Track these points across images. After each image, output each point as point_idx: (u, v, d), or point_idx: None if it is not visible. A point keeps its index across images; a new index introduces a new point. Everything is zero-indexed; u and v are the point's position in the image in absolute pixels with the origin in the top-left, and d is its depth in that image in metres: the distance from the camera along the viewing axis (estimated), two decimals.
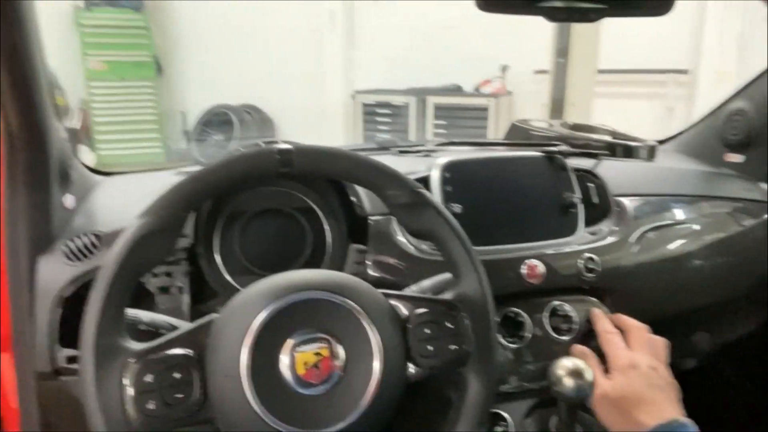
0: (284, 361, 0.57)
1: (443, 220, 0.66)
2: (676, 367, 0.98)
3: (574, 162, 0.99)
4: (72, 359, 0.81)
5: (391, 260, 0.86)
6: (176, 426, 0.56)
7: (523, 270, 0.88)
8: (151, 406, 0.55)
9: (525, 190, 0.94)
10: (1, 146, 0.78)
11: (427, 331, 0.63)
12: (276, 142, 0.87)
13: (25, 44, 0.64)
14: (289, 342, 0.57)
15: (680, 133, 1.41)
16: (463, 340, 0.64)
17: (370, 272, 0.86)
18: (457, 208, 0.89)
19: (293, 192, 0.92)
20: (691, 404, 0.78)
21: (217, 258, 0.87)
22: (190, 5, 5.57)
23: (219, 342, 0.58)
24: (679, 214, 1.02)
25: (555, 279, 0.89)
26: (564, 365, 0.74)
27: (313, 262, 0.91)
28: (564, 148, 1.00)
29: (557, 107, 2.90)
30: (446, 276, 0.75)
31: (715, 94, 4.48)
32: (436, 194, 0.89)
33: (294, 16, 5.36)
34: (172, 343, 0.58)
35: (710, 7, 4.28)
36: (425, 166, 0.93)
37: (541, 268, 0.88)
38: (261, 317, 0.57)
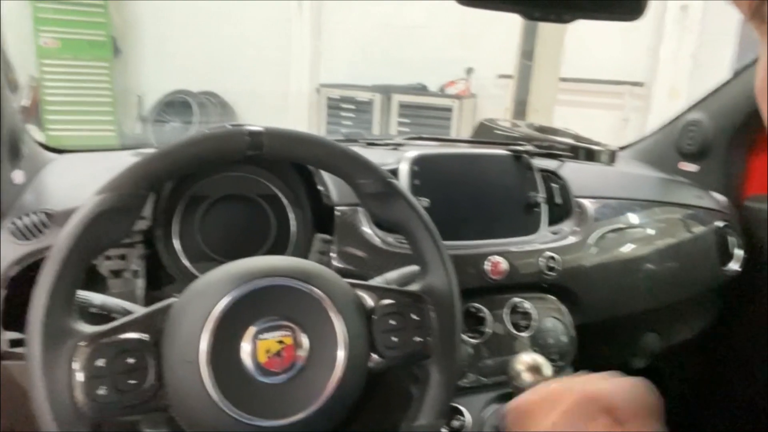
0: (246, 348, 0.55)
1: (413, 211, 0.66)
2: (625, 367, 1.01)
3: (538, 162, 1.01)
4: (16, 343, 0.77)
5: (357, 251, 0.85)
6: (128, 413, 0.54)
7: (487, 266, 0.89)
8: (101, 391, 0.53)
9: (491, 187, 0.95)
10: None
11: (392, 322, 0.63)
12: (244, 125, 0.86)
13: None
14: (252, 329, 0.56)
15: (638, 141, 1.45)
16: (428, 333, 0.64)
17: (335, 263, 0.85)
18: (425, 201, 0.89)
19: (258, 178, 0.90)
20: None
21: (176, 243, 0.85)
22: None
23: (177, 327, 0.56)
24: (636, 217, 1.05)
25: (517, 276, 0.90)
26: (523, 360, 0.75)
27: (276, 251, 0.89)
28: (530, 148, 1.01)
29: (520, 111, 2.94)
30: (412, 268, 0.75)
31: (668, 107, 4.67)
32: (404, 187, 0.89)
33: (261, 3, 5.27)
34: (126, 327, 0.55)
35: (668, 26, 4.43)
36: (394, 158, 0.93)
37: (504, 264, 0.89)
38: (223, 303, 0.55)
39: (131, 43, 5.64)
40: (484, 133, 1.23)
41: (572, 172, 1.05)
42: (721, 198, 1.22)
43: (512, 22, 4.48)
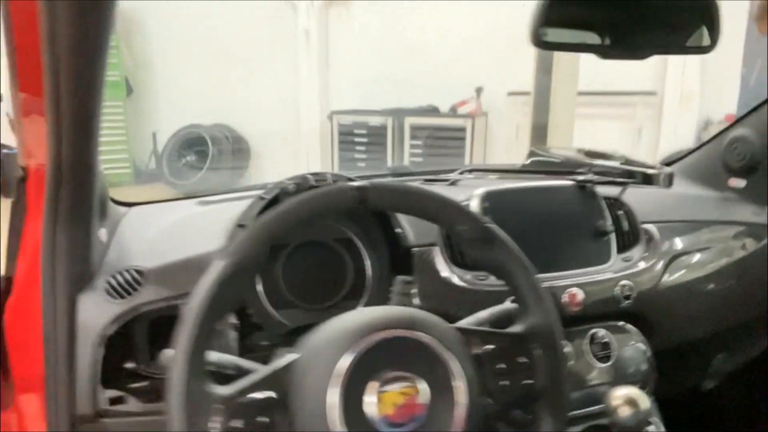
0: (370, 401, 0.56)
1: (512, 253, 0.67)
2: (696, 389, 1.01)
3: (600, 190, 1.02)
4: (115, 401, 0.78)
5: (437, 291, 0.86)
6: None
7: (564, 299, 0.89)
8: None
9: (560, 218, 0.96)
10: (44, 182, 0.75)
11: (501, 365, 0.63)
12: (325, 177, 0.87)
13: (96, 73, 0.63)
14: (375, 382, 0.57)
15: (681, 158, 1.46)
16: (536, 375, 0.64)
17: (417, 303, 0.85)
18: None
19: (334, 224, 0.91)
20: (710, 426, 0.79)
21: (260, 290, 0.86)
22: (161, 25, 5.52)
23: (303, 384, 0.57)
24: (700, 239, 1.06)
25: (594, 306, 0.91)
26: (619, 395, 0.75)
27: (355, 294, 0.90)
28: (591, 176, 1.02)
29: (540, 128, 2.97)
30: (503, 308, 0.76)
31: (680, 114, 4.67)
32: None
33: (268, 36, 5.36)
34: (256, 386, 0.57)
35: None
36: (464, 195, 0.94)
37: (581, 295, 0.90)
38: (348, 358, 0.56)
39: (143, 82, 5.74)
40: (536, 161, 1.24)
41: (633, 197, 1.06)
42: None
43: (519, 39, 4.54)
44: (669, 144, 4.52)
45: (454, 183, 1.09)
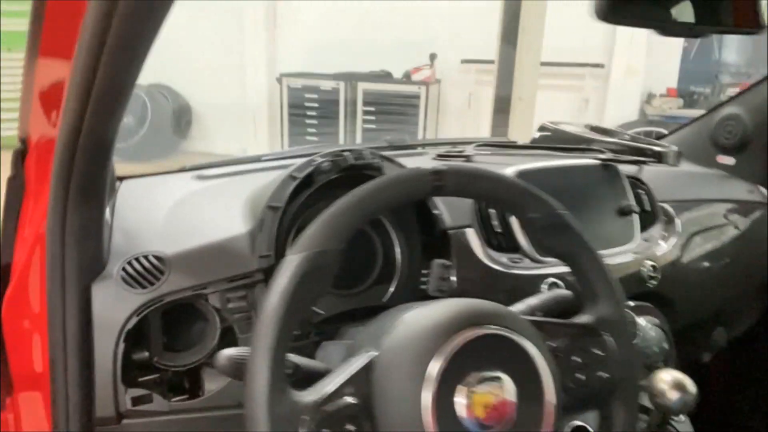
0: (461, 403, 0.53)
1: (583, 242, 0.64)
2: (696, 361, 1.03)
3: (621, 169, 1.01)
4: (138, 400, 0.71)
5: (474, 274, 0.83)
6: None
7: None
8: None
9: (587, 198, 0.95)
10: (50, 156, 0.66)
11: (576, 358, 0.61)
12: (363, 154, 0.81)
13: (148, 39, 0.54)
14: (466, 382, 0.53)
15: (670, 134, 1.48)
16: (611, 367, 0.63)
17: (454, 288, 0.82)
18: None
19: None
20: (706, 395, 0.81)
21: None
22: None
23: (390, 387, 0.52)
24: (710, 217, 1.08)
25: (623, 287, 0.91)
26: (664, 378, 0.75)
27: (384, 278, 0.86)
28: (610, 155, 1.01)
29: (503, 100, 2.97)
30: (556, 294, 0.74)
31: (625, 87, 4.81)
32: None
33: None
34: (339, 392, 0.52)
35: None
36: None
37: None
38: (439, 360, 0.52)
39: None
40: (546, 137, 1.23)
41: (648, 175, 1.06)
42: (764, 190, 1.27)
43: (475, 6, 4.51)
44: (614, 115, 4.65)
45: (469, 159, 1.06)
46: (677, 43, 4.67)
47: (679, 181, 1.13)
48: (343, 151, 0.81)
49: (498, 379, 0.54)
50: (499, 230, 0.87)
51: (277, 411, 0.48)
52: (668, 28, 0.71)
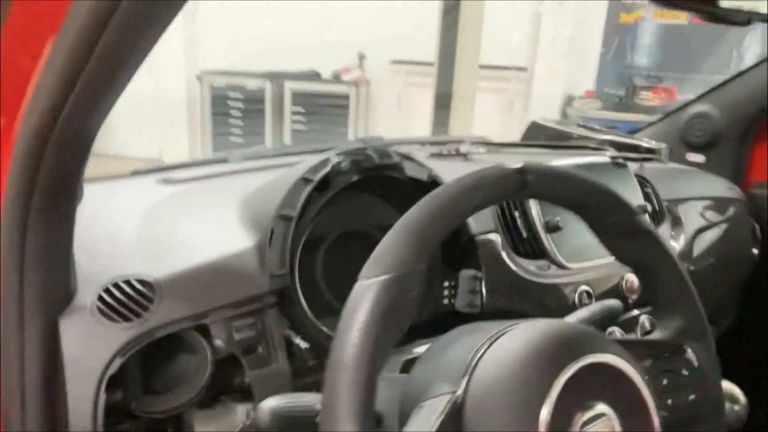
0: None
1: (664, 250, 0.57)
2: None
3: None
4: None
5: (504, 285, 0.75)
6: None
7: (623, 285, 0.83)
8: None
9: None
10: (7, 157, 0.50)
11: (665, 382, 0.54)
12: (388, 153, 0.71)
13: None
14: (576, 422, 0.44)
15: (638, 131, 1.48)
16: (699, 389, 0.56)
17: (484, 301, 0.73)
18: (559, 222, 0.80)
19: (372, 210, 0.75)
20: None
21: (301, 298, 0.68)
22: None
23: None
24: (706, 215, 1.06)
25: (644, 293, 0.86)
26: None
27: None
28: (615, 152, 0.97)
29: (443, 100, 2.93)
30: (604, 305, 0.67)
31: (547, 89, 4.97)
32: (534, 203, 0.80)
33: None
34: None
35: (546, 14, 4.70)
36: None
37: (636, 282, 0.84)
38: (549, 405, 0.43)
39: None
40: (536, 134, 1.17)
41: (648, 173, 1.02)
42: (737, 188, 1.28)
43: (404, 6, 4.47)
44: (538, 116, 4.77)
45: (466, 157, 0.97)
46: (595, 49, 4.87)
47: (675, 179, 1.11)
48: (360, 149, 0.69)
49: (606, 414, 0.46)
50: (524, 236, 0.79)
51: None
52: (715, 14, 0.66)
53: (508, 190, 0.48)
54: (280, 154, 1.02)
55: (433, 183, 0.73)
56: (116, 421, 0.60)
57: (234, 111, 4.73)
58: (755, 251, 1.21)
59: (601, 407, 0.46)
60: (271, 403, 0.47)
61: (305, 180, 0.66)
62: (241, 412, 0.65)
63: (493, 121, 4.94)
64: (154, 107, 4.96)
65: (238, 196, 0.75)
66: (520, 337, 0.49)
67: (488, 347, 0.48)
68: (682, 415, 0.55)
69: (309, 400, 0.49)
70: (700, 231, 1.06)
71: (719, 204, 1.16)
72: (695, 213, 1.08)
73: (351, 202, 0.74)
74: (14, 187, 0.49)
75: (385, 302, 0.40)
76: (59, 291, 0.56)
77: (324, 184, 0.67)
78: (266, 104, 4.66)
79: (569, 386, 0.44)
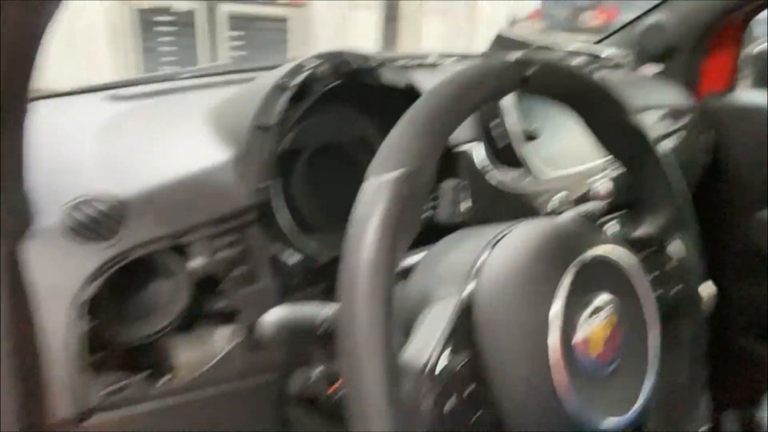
0: (581, 343, 0.44)
1: (651, 148, 0.57)
2: None
3: None
4: (114, 387, 0.54)
5: (485, 194, 0.74)
6: None
7: (596, 192, 0.84)
8: None
9: None
10: None
11: (652, 275, 0.55)
12: (366, 56, 0.66)
13: None
14: (581, 317, 0.44)
15: (595, 44, 1.47)
16: (683, 281, 0.58)
17: (465, 209, 0.72)
18: (535, 130, 0.79)
19: (349, 121, 0.71)
20: None
21: (285, 210, 0.64)
22: None
23: (504, 339, 0.42)
24: (668, 123, 1.08)
25: (619, 198, 0.87)
26: None
27: None
28: (586, 60, 0.95)
29: (391, 18, 2.85)
30: (588, 207, 0.67)
31: (493, 11, 4.91)
32: (511, 111, 0.78)
33: None
34: (446, 351, 0.40)
35: None
36: None
37: (607, 188, 0.85)
38: (559, 302, 0.43)
39: None
40: (502, 46, 1.13)
41: (615, 82, 1.02)
42: (693, 97, 1.31)
43: None
44: (483, 36, 4.74)
45: (434, 66, 0.94)
46: None
47: (637, 88, 1.12)
48: (336, 53, 0.65)
49: (607, 306, 0.47)
50: (501, 145, 0.78)
51: (396, 388, 0.36)
52: None
53: (511, 84, 0.46)
54: (230, 71, 0.95)
55: (411, 90, 0.70)
56: (91, 350, 0.56)
57: (163, 38, 4.42)
58: (706, 159, 1.26)
59: (604, 297, 0.46)
60: (273, 315, 0.44)
61: (281, 88, 0.61)
62: (221, 336, 0.63)
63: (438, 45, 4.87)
64: (76, 37, 4.58)
65: (201, 109, 0.69)
66: (522, 236, 0.48)
67: (491, 249, 0.47)
68: (668, 304, 0.56)
69: (311, 310, 0.47)
70: (659, 139, 1.08)
71: (676, 113, 1.18)
72: (653, 121, 1.09)
73: (326, 113, 0.70)
74: None
75: (400, 199, 0.38)
76: (17, 212, 0.50)
77: (300, 93, 0.62)
78: (197, 28, 4.37)
79: (576, 279, 0.44)
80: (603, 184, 0.85)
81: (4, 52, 0.41)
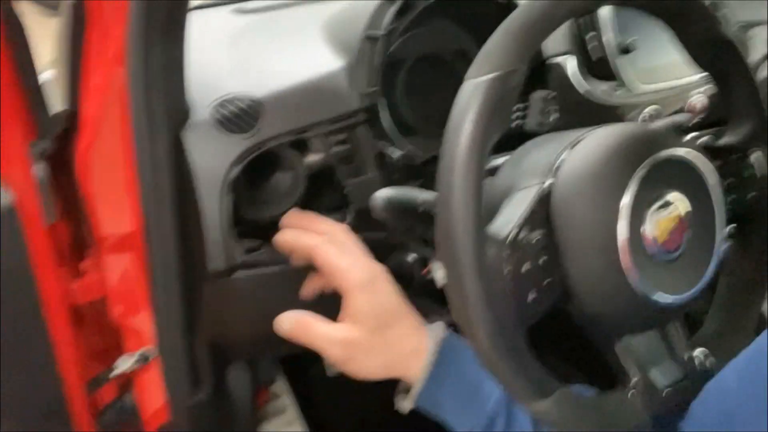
0: (649, 230, 0.50)
1: (741, 60, 0.59)
2: None
3: None
4: (252, 249, 0.67)
5: (576, 106, 0.78)
6: (540, 316, 0.50)
7: (689, 107, 0.85)
8: (531, 296, 0.47)
9: None
10: None
11: (729, 180, 0.59)
12: None
13: None
14: (651, 209, 0.50)
15: None
16: (758, 189, 0.61)
17: (554, 119, 0.77)
18: (631, 43, 0.81)
19: (448, 34, 0.77)
20: None
21: (384, 115, 0.73)
22: None
23: (578, 221, 0.49)
24: None
25: (713, 115, 0.88)
26: None
27: None
28: None
29: None
30: (675, 118, 0.70)
31: None
32: (607, 25, 0.80)
33: None
34: (525, 225, 0.48)
35: None
36: None
37: (701, 103, 0.86)
38: (630, 191, 0.49)
39: None
40: None
41: None
42: None
43: None
44: None
45: None
46: None
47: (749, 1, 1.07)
48: None
49: (676, 202, 0.52)
50: (596, 58, 0.81)
51: (483, 252, 0.45)
52: None
53: None
54: None
55: (508, 3, 0.74)
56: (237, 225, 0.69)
57: None
58: None
59: (674, 195, 0.52)
60: (384, 192, 0.54)
61: (388, 1, 0.68)
62: (332, 219, 0.74)
63: None
64: None
65: (317, 20, 0.77)
66: (601, 137, 0.54)
67: (571, 149, 0.53)
68: (741, 209, 0.60)
69: (414, 193, 0.56)
70: (762, 59, 1.04)
71: None
72: (763, 39, 1.05)
73: (428, 26, 0.76)
74: (137, 11, 0.54)
75: (494, 97, 0.45)
76: (179, 106, 0.62)
77: (404, 6, 0.69)
78: None
79: (646, 177, 0.50)
80: (698, 100, 0.85)
81: None
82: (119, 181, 0.65)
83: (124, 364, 0.69)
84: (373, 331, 0.57)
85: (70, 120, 0.63)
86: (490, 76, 0.45)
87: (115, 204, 0.66)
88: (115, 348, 0.76)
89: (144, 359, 0.70)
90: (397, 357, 0.57)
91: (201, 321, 0.69)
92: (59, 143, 0.63)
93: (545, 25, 0.48)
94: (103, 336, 0.78)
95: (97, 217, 0.67)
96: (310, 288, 0.66)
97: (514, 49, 0.46)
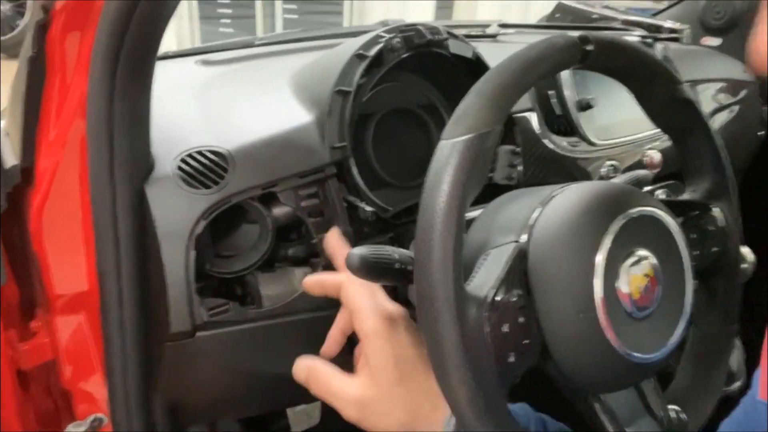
0: (623, 288, 0.51)
1: (700, 117, 0.62)
2: None
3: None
4: (216, 307, 0.64)
5: (539, 160, 0.80)
6: (520, 376, 0.49)
7: (646, 160, 0.88)
8: (511, 358, 0.46)
9: None
10: (90, 30, 0.52)
11: (693, 235, 0.61)
12: (437, 29, 0.72)
13: None
14: (624, 265, 0.51)
15: (656, 15, 1.48)
16: (722, 243, 0.63)
17: (519, 174, 0.79)
18: (591, 100, 0.84)
19: (417, 88, 0.78)
20: None
21: (354, 170, 0.72)
22: None
23: (553, 280, 0.49)
24: (724, 97, 1.10)
25: (668, 169, 0.91)
26: None
27: None
28: (642, 33, 0.99)
29: None
30: (636, 174, 0.72)
31: None
32: (568, 83, 0.83)
33: None
34: (503, 285, 0.48)
35: None
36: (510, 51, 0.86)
37: (656, 158, 0.90)
38: (604, 249, 0.49)
39: None
40: (562, 15, 1.17)
41: (672, 54, 1.05)
42: (750, 71, 1.31)
43: None
44: (535, 15, 4.64)
45: (495, 38, 0.99)
46: None
47: (695, 60, 1.14)
48: (409, 26, 0.71)
49: (647, 258, 0.53)
50: (557, 113, 0.83)
51: (465, 313, 0.44)
52: None
53: (573, 59, 0.52)
54: (304, 39, 1.02)
55: (477, 61, 0.76)
56: (202, 281, 0.66)
57: (222, 9, 4.56)
58: (762, 134, 1.27)
59: (643, 252, 0.53)
60: (358, 250, 0.53)
61: (360, 56, 0.68)
62: (299, 274, 0.72)
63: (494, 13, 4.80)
64: None
65: (285, 73, 0.77)
66: (573, 195, 0.54)
67: (544, 207, 0.54)
68: (706, 264, 0.62)
69: (389, 249, 0.55)
70: (714, 112, 1.10)
71: (733, 86, 1.20)
72: (710, 94, 1.11)
73: (397, 81, 0.77)
74: (102, 59, 0.52)
75: (471, 157, 0.45)
76: (143, 159, 0.60)
77: (379, 60, 0.69)
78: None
79: (619, 234, 0.51)
80: (653, 155, 0.89)
81: (136, 25, 0.50)
82: (75, 238, 0.62)
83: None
84: (390, 385, 0.53)
85: (24, 175, 0.60)
86: (468, 136, 0.45)
87: (70, 262, 0.63)
88: (65, 413, 0.71)
89: (96, 425, 0.66)
90: (417, 415, 0.54)
91: (159, 384, 0.65)
92: (11, 200, 0.59)
93: (518, 89, 0.49)
94: (52, 401, 0.72)
95: (49, 276, 0.63)
96: (336, 327, 0.63)
97: (489, 112, 0.47)
